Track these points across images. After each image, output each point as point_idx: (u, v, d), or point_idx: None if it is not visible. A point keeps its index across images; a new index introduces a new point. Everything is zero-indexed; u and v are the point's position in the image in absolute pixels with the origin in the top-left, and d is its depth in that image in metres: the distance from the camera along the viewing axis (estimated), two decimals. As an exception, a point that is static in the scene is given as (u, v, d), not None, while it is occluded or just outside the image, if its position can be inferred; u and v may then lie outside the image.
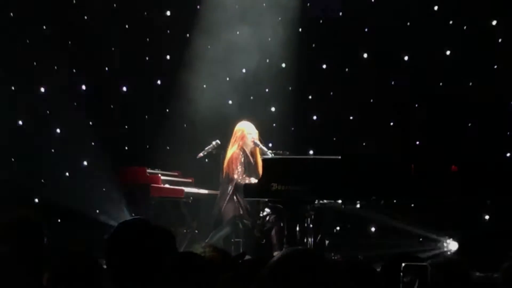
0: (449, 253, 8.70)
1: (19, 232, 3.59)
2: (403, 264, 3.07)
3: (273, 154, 8.65)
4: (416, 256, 3.93)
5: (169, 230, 3.76)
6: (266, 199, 8.42)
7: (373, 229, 10.19)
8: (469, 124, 10.30)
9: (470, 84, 10.27)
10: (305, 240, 8.24)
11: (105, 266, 3.11)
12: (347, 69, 10.90)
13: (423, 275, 3.06)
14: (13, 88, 9.78)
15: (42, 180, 10.01)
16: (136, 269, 2.94)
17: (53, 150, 10.30)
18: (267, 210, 8.57)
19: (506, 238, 8.50)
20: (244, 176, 8.55)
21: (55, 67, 10.43)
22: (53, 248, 3.91)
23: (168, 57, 10.96)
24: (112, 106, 10.74)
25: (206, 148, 8.98)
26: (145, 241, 3.00)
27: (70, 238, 8.33)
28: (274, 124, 10.61)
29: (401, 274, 3.06)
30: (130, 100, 10.71)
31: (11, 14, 9.83)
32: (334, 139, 10.74)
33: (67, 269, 3.04)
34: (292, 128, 10.79)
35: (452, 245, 8.61)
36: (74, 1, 10.45)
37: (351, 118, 10.84)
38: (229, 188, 8.54)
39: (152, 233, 3.07)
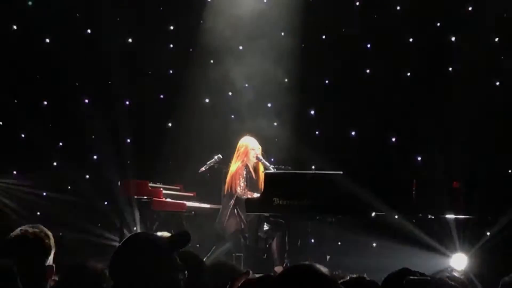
0: (453, 268, 8.63)
1: (23, 245, 3.60)
2: (405, 279, 3.09)
3: (275, 169, 8.65)
4: (418, 271, 3.94)
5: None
6: (268, 214, 8.42)
7: (374, 244, 10.16)
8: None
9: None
10: (307, 254, 8.24)
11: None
12: (349, 85, 10.93)
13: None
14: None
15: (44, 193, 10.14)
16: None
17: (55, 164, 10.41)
18: (268, 224, 8.57)
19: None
20: (246, 191, 8.56)
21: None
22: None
23: (171, 71, 11.00)
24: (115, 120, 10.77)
25: (208, 163, 8.99)
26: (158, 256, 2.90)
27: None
28: (276, 139, 10.61)
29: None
30: (132, 114, 10.73)
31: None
32: (336, 154, 10.75)
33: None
34: (294, 143, 10.80)
35: (457, 261, 8.53)
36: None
37: (352, 133, 10.86)
38: (231, 203, 8.54)
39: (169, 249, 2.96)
